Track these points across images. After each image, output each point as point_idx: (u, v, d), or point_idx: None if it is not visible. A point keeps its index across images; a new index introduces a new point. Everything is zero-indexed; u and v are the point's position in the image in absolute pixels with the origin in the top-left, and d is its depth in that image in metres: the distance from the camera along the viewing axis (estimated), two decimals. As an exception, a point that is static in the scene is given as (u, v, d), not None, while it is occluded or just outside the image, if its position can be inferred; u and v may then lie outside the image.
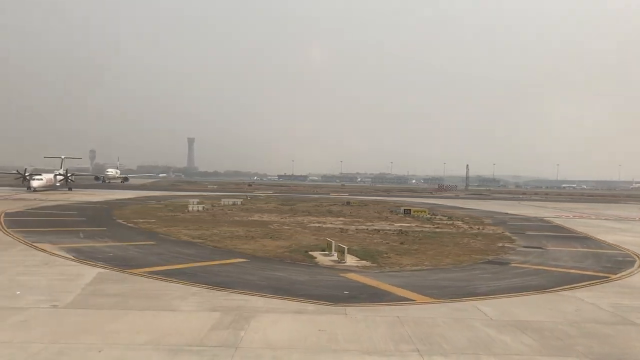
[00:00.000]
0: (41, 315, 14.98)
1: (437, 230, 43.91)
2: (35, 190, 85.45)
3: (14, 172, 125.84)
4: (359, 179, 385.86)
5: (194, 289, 19.03)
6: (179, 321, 14.78)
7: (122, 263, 23.80)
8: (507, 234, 42.25)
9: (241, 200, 76.59)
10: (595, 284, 22.19)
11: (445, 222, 52.26)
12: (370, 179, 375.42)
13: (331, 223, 47.64)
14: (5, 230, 34.27)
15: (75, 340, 12.82)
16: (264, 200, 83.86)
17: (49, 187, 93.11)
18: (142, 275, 21.21)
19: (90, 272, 21.41)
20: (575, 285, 21.65)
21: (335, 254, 27.76)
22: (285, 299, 17.93)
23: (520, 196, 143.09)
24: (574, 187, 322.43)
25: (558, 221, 56.80)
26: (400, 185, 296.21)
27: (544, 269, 25.79)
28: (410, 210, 62.73)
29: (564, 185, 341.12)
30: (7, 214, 45.37)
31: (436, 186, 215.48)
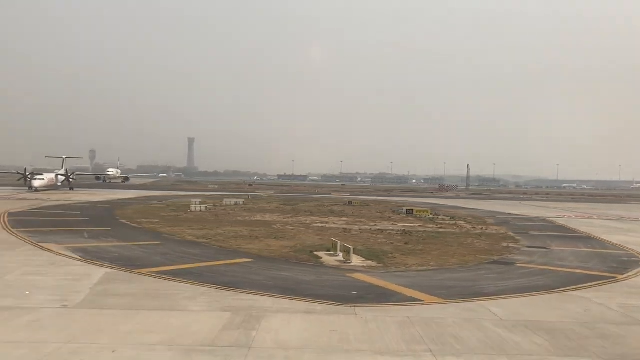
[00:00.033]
0: (52, 315, 14.98)
1: (441, 230, 43.91)
2: (36, 190, 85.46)
3: (14, 172, 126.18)
4: (359, 179, 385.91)
5: (203, 289, 19.04)
6: (190, 321, 14.78)
7: (128, 263, 23.81)
8: (511, 234, 42.26)
9: (243, 200, 76.59)
10: (603, 284, 22.20)
11: (448, 222, 52.27)
12: (370, 179, 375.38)
13: (334, 223, 47.64)
14: (10, 230, 34.28)
15: (88, 340, 12.82)
16: (266, 200, 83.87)
17: (51, 187, 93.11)
18: (149, 275, 21.22)
19: (97, 272, 21.41)
20: (582, 285, 21.67)
21: (341, 254, 27.76)
22: (293, 299, 17.94)
23: (521, 196, 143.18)
24: (574, 187, 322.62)
25: (561, 221, 56.82)
26: (400, 185, 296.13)
27: (550, 269, 25.80)
28: (412, 210, 62.71)
29: (564, 185, 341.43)
30: (10, 214, 45.37)
31: (437, 186, 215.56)
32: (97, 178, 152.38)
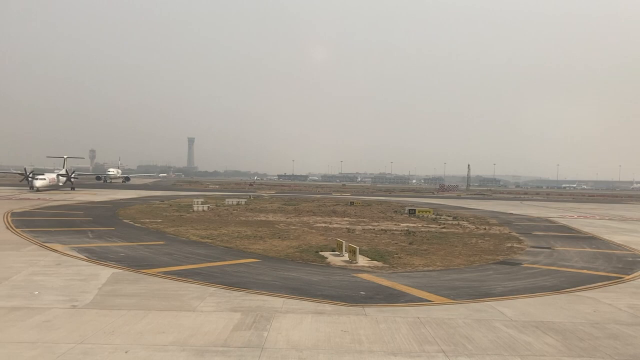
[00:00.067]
0: (63, 316, 14.97)
1: (444, 230, 43.90)
2: (38, 190, 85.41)
3: (13, 171, 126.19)
4: (358, 179, 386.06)
5: (211, 289, 19.03)
6: (201, 321, 14.77)
7: (134, 263, 23.79)
8: (515, 234, 42.26)
9: (245, 200, 76.54)
10: (610, 284, 22.21)
11: (450, 222, 52.27)
12: (370, 179, 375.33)
13: (337, 223, 47.62)
14: (15, 230, 34.26)
15: (100, 341, 12.81)
16: (268, 200, 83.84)
17: (52, 187, 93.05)
18: (156, 276, 21.21)
19: (104, 273, 21.40)
20: (589, 286, 21.68)
21: (347, 255, 27.75)
22: (302, 299, 17.93)
23: (522, 196, 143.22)
24: (574, 188, 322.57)
25: (563, 221, 56.83)
26: (401, 185, 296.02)
27: (556, 270, 25.80)
28: (415, 210, 62.70)
29: (564, 185, 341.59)
30: (14, 214, 45.34)
31: (437, 186, 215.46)
32: (98, 178, 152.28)
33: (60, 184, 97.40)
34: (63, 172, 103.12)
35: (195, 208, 58.47)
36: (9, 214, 44.86)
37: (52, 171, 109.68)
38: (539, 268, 26.27)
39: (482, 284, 21.87)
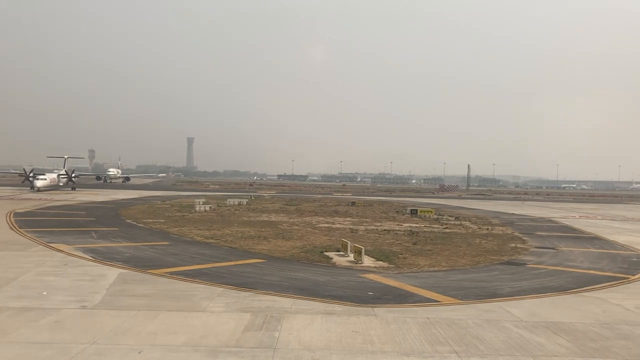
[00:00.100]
0: (73, 316, 14.98)
1: (447, 230, 43.92)
2: (39, 190, 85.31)
3: (12, 171, 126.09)
4: (358, 179, 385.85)
5: (219, 289, 19.04)
6: (212, 322, 14.78)
7: (140, 263, 23.79)
8: (518, 234, 42.29)
9: (246, 200, 76.50)
10: (616, 284, 22.26)
11: (453, 222, 52.29)
12: (370, 179, 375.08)
13: (340, 223, 47.62)
14: (19, 231, 34.24)
15: (113, 341, 12.82)
16: (269, 200, 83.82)
17: (53, 187, 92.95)
18: (164, 276, 21.21)
19: (111, 273, 21.40)
20: (596, 286, 21.72)
21: (352, 255, 27.76)
22: (311, 299, 17.95)
23: (522, 196, 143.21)
24: (573, 188, 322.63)
25: (565, 222, 56.87)
26: (400, 185, 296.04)
27: (561, 270, 25.83)
28: (416, 210, 62.69)
29: (563, 185, 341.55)
30: (16, 214, 45.31)
31: (437, 186, 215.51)
32: (98, 178, 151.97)
33: (61, 184, 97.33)
34: (64, 172, 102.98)
35: (197, 208, 58.44)
36: (12, 214, 44.84)
37: (51, 171, 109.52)
38: (545, 268, 26.30)
39: (489, 284, 21.90)
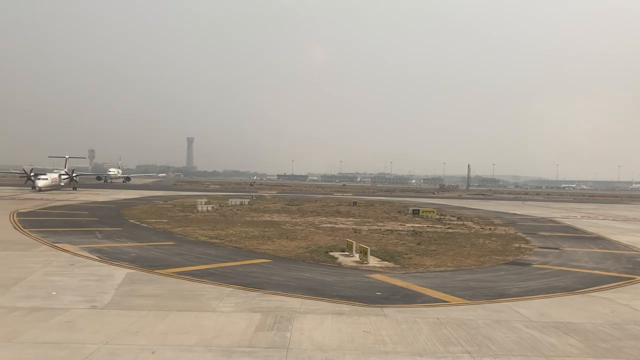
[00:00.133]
0: (84, 316, 14.97)
1: (450, 230, 43.95)
2: (40, 190, 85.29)
3: (12, 171, 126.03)
4: (358, 179, 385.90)
5: (227, 289, 19.04)
6: (222, 322, 14.79)
7: (147, 264, 23.79)
8: (521, 234, 42.32)
9: (248, 200, 76.50)
10: (623, 285, 22.28)
11: (455, 222, 52.31)
12: (369, 179, 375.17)
13: (343, 223, 47.64)
14: (23, 230, 34.23)
15: (126, 341, 12.83)
16: (271, 201, 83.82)
17: (54, 187, 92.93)
18: (171, 276, 21.22)
19: (119, 273, 21.40)
20: (603, 286, 21.74)
21: (357, 255, 27.78)
22: (319, 300, 17.97)
23: (523, 196, 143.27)
24: (573, 188, 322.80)
25: (567, 222, 56.92)
26: (400, 185, 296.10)
27: (567, 270, 25.86)
28: (418, 210, 62.72)
29: (563, 185, 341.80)
30: (19, 214, 45.29)
31: (437, 186, 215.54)
32: (99, 178, 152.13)
33: (62, 184, 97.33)
34: (65, 172, 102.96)
35: (200, 208, 58.46)
36: (15, 214, 44.84)
37: (50, 171, 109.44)
38: (550, 268, 26.33)
39: (496, 284, 21.93)
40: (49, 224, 38.68)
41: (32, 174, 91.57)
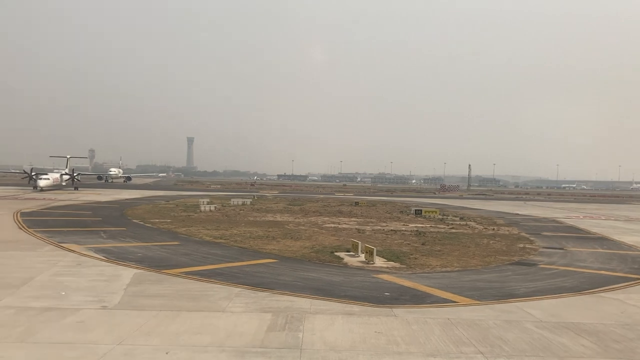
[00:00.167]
0: (95, 316, 14.97)
1: (453, 230, 43.94)
2: (42, 189, 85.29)
3: (12, 171, 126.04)
4: (358, 179, 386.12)
5: (236, 289, 19.04)
6: (233, 322, 14.79)
7: (154, 263, 23.79)
8: (524, 234, 42.31)
9: (250, 200, 76.49)
10: (631, 285, 22.28)
11: (458, 222, 52.29)
12: (370, 179, 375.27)
13: (346, 224, 47.63)
14: (28, 230, 34.22)
15: (139, 342, 12.83)
16: (272, 201, 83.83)
17: (55, 187, 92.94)
18: (179, 276, 21.21)
19: (126, 273, 21.40)
20: (611, 287, 21.75)
21: (362, 255, 27.78)
22: (328, 300, 17.96)
23: (524, 196, 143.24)
24: (573, 188, 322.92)
25: (570, 222, 56.90)
26: (401, 185, 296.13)
27: (573, 270, 25.85)
28: (421, 210, 62.72)
29: (563, 185, 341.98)
30: (23, 214, 45.29)
31: (438, 186, 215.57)
32: (99, 178, 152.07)
33: (64, 183, 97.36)
34: (66, 171, 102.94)
35: (202, 208, 58.48)
36: (19, 214, 44.84)
37: (50, 171, 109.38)
38: (556, 269, 26.32)
39: (504, 284, 21.93)
40: (53, 223, 38.67)
41: (33, 174, 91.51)
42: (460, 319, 15.85)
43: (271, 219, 50.19)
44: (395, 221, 52.00)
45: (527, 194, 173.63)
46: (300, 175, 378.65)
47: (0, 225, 37.21)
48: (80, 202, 64.62)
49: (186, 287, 19.33)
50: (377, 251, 28.45)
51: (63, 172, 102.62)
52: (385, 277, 22.83)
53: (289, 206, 70.23)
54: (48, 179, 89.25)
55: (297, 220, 49.60)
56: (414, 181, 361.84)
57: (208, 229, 38.63)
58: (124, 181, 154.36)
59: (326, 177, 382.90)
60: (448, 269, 25.69)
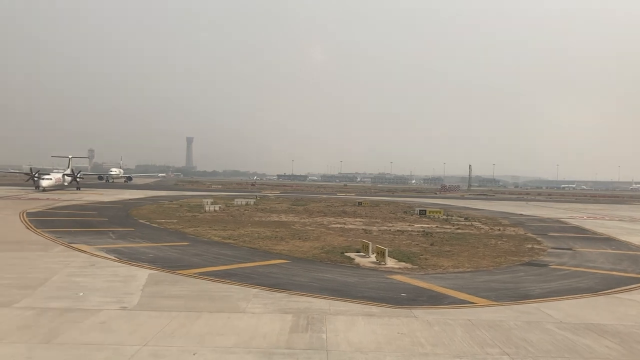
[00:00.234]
0: (117, 317, 14.94)
1: (459, 231, 43.94)
2: (44, 189, 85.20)
3: (12, 171, 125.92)
4: (358, 179, 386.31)
5: (253, 290, 19.02)
6: (255, 323, 14.76)
7: (167, 264, 23.76)
8: (531, 235, 42.33)
9: (253, 200, 76.42)
10: (645, 286, 22.27)
11: (463, 223, 52.29)
12: (369, 179, 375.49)
13: (352, 224, 47.62)
14: (36, 231, 34.17)
15: (164, 343, 12.81)
16: (275, 201, 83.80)
17: (57, 187, 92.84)
18: (193, 277, 21.18)
19: (140, 274, 21.37)
20: (625, 287, 21.78)
21: (373, 256, 27.77)
22: (347, 301, 17.94)
23: (525, 197, 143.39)
24: (573, 188, 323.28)
25: (574, 222, 56.95)
26: (401, 185, 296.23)
27: (585, 271, 25.86)
28: (425, 210, 62.73)
29: (563, 185, 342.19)
30: (29, 214, 45.22)
31: (439, 186, 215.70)
32: (100, 177, 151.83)
33: (66, 183, 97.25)
34: (68, 171, 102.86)
35: (207, 208, 58.41)
36: (25, 214, 44.78)
37: (50, 171, 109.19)
38: (568, 269, 26.33)
39: (518, 285, 21.92)
40: (59, 224, 38.62)
41: (35, 174, 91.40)
42: (480, 320, 15.85)
43: (277, 219, 50.16)
44: (401, 221, 51.99)
45: (527, 194, 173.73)
46: (300, 175, 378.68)
47: (9, 225, 37.15)
48: (84, 202, 64.54)
49: (202, 287, 19.30)
50: (388, 252, 28.48)
51: (65, 172, 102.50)
52: (399, 277, 22.82)
53: (293, 206, 70.22)
54: (50, 179, 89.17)
55: (302, 220, 49.58)
56: (413, 181, 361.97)
57: (215, 230, 38.60)
58: (125, 181, 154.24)
59: (326, 177, 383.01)
60: (460, 269, 25.68)
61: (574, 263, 28.43)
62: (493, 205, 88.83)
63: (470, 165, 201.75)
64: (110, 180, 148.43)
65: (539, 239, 39.69)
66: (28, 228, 35.58)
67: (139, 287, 18.81)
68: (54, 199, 66.83)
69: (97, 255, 25.45)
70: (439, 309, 17.27)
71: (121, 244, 29.62)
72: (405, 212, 65.80)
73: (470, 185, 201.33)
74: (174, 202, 71.00)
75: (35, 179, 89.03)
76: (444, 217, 58.93)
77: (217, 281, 20.41)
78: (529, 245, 35.45)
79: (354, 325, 14.86)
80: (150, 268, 22.67)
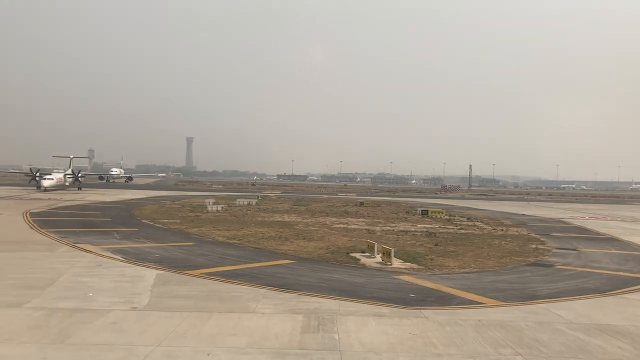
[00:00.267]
0: (127, 318, 14.93)
1: (462, 231, 43.93)
2: (46, 190, 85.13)
3: (11, 171, 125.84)
4: (358, 179, 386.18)
5: (261, 290, 19.01)
6: (265, 324, 14.75)
7: (173, 264, 23.74)
8: (534, 235, 42.33)
9: (255, 200, 76.37)
10: (652, 286, 22.26)
11: (466, 223, 52.27)
12: (369, 179, 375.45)
13: (355, 224, 47.60)
14: (41, 231, 34.14)
15: (177, 343, 12.80)
16: (276, 201, 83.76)
17: (59, 187, 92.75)
18: (201, 277, 21.17)
19: (148, 274, 21.35)
20: (632, 288, 21.80)
21: (378, 256, 27.75)
22: (356, 301, 17.93)
23: (526, 197, 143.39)
24: (573, 188, 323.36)
25: (576, 222, 56.95)
26: (401, 185, 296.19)
27: (591, 271, 25.86)
28: (427, 211, 62.72)
29: (563, 185, 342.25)
30: (32, 214, 45.17)
31: (439, 186, 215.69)
32: (101, 178, 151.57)
33: (67, 183, 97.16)
34: (70, 172, 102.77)
35: (210, 208, 58.38)
36: (28, 214, 44.73)
37: (50, 171, 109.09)
38: (574, 270, 26.33)
39: (525, 285, 21.92)
40: (63, 224, 38.58)
41: (37, 174, 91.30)
42: (490, 320, 15.84)
43: (279, 219, 50.13)
44: (403, 222, 51.98)
45: (528, 194, 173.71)
46: (300, 175, 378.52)
47: (13, 225, 37.12)
48: (86, 202, 64.48)
49: (211, 288, 19.29)
50: (393, 252, 28.47)
51: (67, 172, 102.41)
52: (406, 278, 22.81)
53: (295, 206, 70.18)
54: (52, 179, 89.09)
55: (305, 220, 49.55)
56: (413, 181, 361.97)
57: (219, 230, 38.57)
58: (125, 181, 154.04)
59: (326, 177, 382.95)
60: (466, 270, 25.67)
61: (580, 263, 28.43)
62: (494, 206, 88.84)
63: (470, 166, 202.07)
64: (110, 180, 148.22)
65: (542, 239, 39.69)
66: (32, 228, 35.55)
67: (147, 288, 18.79)
68: (56, 199, 66.78)
69: (103, 256, 25.43)
70: (448, 309, 17.26)
71: (126, 244, 29.58)
72: (407, 212, 65.78)
73: (470, 186, 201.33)
74: (176, 202, 70.94)
75: (37, 179, 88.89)
76: (446, 217, 58.90)
77: (225, 281, 20.39)
78: (533, 246, 35.44)
79: (365, 326, 14.85)
80: (157, 268, 22.65)
